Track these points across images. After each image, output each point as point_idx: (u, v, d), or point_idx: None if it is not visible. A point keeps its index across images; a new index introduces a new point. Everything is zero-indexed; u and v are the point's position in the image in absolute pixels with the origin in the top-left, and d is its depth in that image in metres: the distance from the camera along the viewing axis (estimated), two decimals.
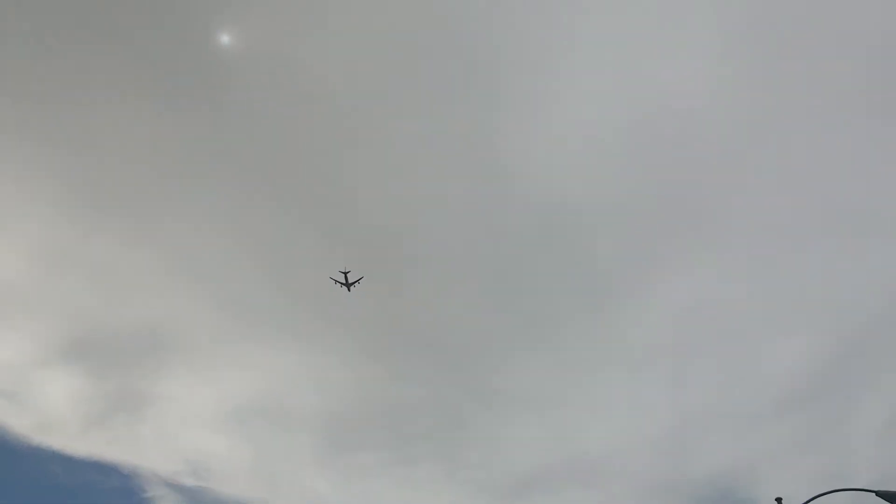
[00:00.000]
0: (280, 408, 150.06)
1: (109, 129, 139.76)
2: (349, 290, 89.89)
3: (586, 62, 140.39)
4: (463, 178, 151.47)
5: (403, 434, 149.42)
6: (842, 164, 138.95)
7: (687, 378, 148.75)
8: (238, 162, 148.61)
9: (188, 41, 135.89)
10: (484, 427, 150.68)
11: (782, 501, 26.63)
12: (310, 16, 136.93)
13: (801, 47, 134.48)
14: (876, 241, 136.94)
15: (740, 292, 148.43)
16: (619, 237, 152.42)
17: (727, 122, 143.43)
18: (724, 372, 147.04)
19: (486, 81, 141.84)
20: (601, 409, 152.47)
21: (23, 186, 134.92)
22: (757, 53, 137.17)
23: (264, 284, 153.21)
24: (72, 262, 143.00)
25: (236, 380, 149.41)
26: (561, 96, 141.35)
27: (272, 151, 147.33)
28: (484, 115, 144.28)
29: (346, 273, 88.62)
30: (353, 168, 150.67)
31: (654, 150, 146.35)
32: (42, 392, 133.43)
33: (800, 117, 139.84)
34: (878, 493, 24.62)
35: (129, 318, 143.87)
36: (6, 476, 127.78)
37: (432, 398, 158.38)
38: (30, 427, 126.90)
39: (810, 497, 26.38)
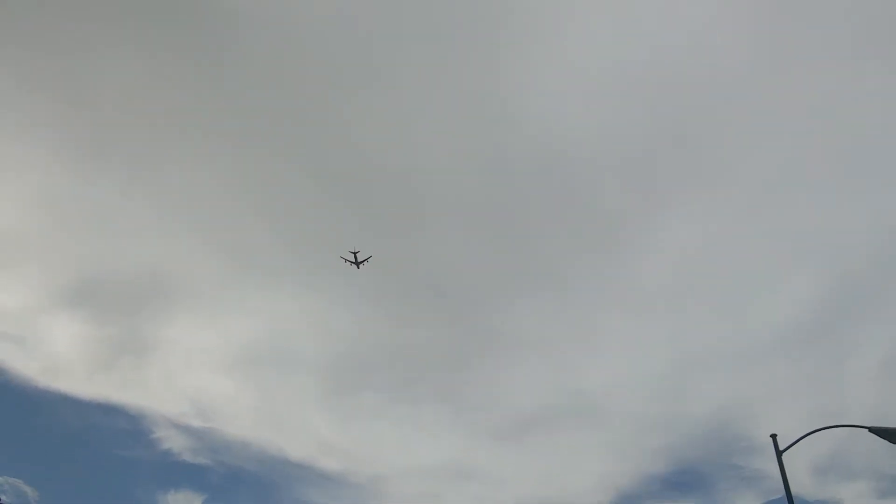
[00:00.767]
0: (283, 350, 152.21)
1: (108, 76, 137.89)
2: (358, 267, 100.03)
3: (589, 2, 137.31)
4: (466, 122, 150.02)
5: (405, 376, 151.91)
6: (842, 106, 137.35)
7: (687, 319, 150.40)
8: (238, 107, 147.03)
9: None
10: (485, 368, 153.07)
11: (777, 438, 27.02)
12: None
13: None
14: (876, 184, 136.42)
15: (741, 235, 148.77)
16: (621, 180, 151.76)
17: (730, 65, 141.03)
18: (724, 313, 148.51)
19: (489, 24, 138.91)
20: (602, 350, 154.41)
21: (22, 135, 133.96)
22: None
23: (266, 229, 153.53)
24: (73, 209, 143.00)
25: (240, 323, 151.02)
26: (564, 38, 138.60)
27: (272, 96, 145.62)
28: (488, 58, 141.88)
29: (355, 253, 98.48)
30: (354, 111, 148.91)
31: (659, 92, 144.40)
32: (48, 337, 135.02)
33: (802, 59, 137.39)
34: (872, 429, 24.97)
35: (131, 263, 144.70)
36: (15, 419, 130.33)
37: (434, 340, 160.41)
38: (37, 371, 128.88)
39: (805, 433, 26.82)
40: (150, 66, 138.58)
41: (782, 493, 26.02)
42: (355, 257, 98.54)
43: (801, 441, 26.69)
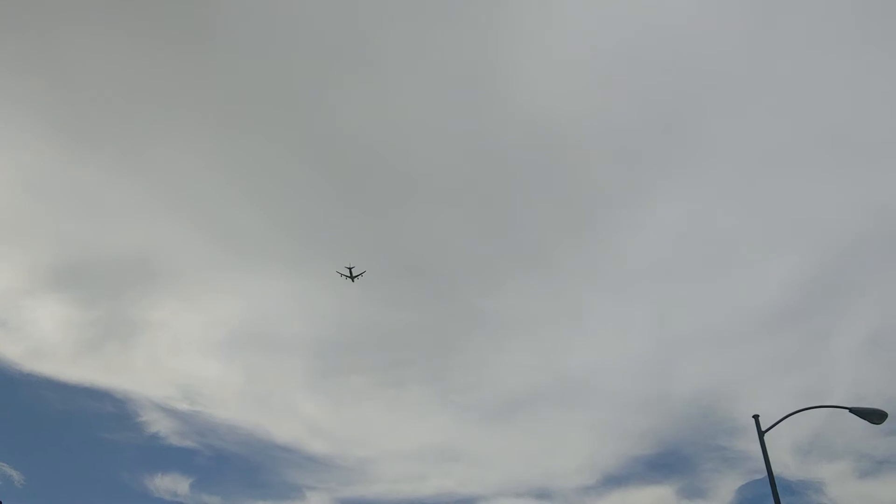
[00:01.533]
0: (270, 334, 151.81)
1: (94, 56, 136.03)
2: (353, 281, 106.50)
3: None
4: (454, 101, 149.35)
5: (393, 358, 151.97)
6: (830, 88, 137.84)
7: (673, 300, 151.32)
8: (226, 88, 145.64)
9: None
10: (472, 350, 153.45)
11: (759, 418, 27.28)
12: None
13: None
14: (861, 165, 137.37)
15: (727, 216, 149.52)
16: (609, 161, 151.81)
17: (717, 47, 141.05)
18: (710, 294, 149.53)
19: (478, 3, 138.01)
20: (589, 331, 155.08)
21: (6, 116, 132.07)
22: None
23: (253, 212, 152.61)
24: (58, 192, 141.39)
25: (226, 307, 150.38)
26: (553, 19, 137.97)
27: (260, 77, 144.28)
28: (477, 36, 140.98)
29: (350, 268, 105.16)
30: (341, 92, 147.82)
31: (646, 74, 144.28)
32: (32, 319, 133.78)
33: (786, 41, 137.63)
34: (852, 410, 25.28)
35: (117, 246, 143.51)
36: None
37: (421, 322, 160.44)
38: (21, 354, 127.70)
39: (787, 413, 27.11)
40: (137, 45, 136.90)
41: (765, 473, 26.32)
42: (350, 272, 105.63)
43: (783, 422, 26.99)
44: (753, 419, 27.31)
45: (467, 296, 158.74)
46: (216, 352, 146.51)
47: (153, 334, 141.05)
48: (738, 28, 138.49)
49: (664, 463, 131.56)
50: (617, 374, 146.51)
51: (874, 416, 24.81)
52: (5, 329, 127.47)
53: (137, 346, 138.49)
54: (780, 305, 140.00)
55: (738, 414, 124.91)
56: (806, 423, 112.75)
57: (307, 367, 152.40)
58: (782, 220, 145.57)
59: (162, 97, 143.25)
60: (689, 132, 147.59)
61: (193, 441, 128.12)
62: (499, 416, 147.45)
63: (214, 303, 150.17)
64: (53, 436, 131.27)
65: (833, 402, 26.60)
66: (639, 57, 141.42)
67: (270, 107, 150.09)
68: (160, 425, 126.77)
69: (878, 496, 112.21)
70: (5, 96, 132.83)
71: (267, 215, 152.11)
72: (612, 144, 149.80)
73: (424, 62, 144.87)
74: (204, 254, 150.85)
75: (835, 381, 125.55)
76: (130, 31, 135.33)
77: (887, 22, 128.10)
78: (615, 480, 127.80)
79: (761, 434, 26.79)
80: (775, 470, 26.15)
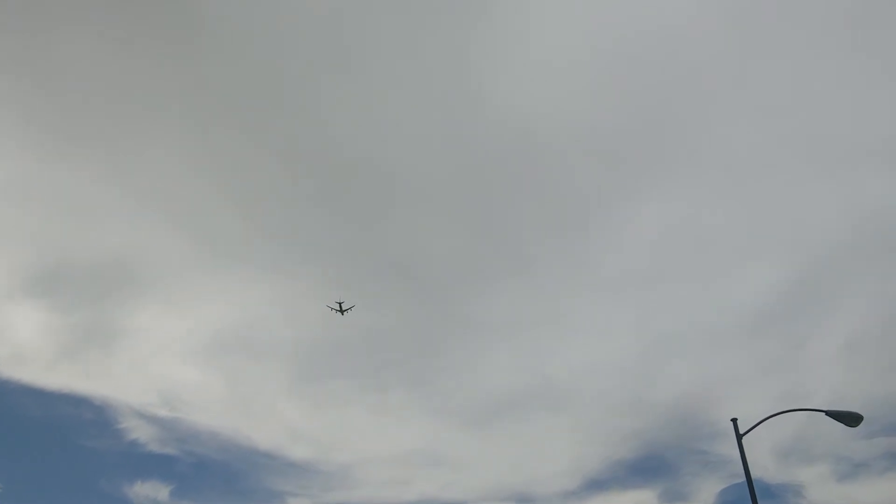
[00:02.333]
0: (252, 338, 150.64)
1: (75, 58, 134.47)
2: (342, 314, 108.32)
3: None
4: (435, 105, 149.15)
5: (375, 362, 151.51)
6: (815, 95, 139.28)
7: (656, 304, 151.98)
8: (208, 92, 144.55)
9: None
10: (456, 354, 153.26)
11: (738, 422, 27.42)
12: None
13: None
14: (844, 170, 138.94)
15: (711, 220, 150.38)
16: (590, 164, 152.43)
17: (702, 50, 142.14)
18: (693, 299, 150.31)
19: (459, 5, 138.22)
20: (571, 335, 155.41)
21: None
22: None
23: (234, 217, 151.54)
24: (36, 194, 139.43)
25: (207, 312, 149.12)
26: (534, 21, 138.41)
27: (243, 82, 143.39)
28: (457, 39, 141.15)
29: (340, 303, 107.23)
30: (324, 95, 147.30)
31: (629, 77, 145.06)
32: (10, 325, 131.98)
33: (772, 45, 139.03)
34: (829, 413, 25.48)
35: (97, 251, 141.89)
36: None
37: (404, 327, 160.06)
38: None
39: (764, 416, 27.26)
40: (117, 47, 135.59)
41: (744, 477, 26.45)
42: (340, 306, 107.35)
43: (761, 425, 27.15)
44: (732, 423, 27.45)
45: (451, 299, 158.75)
46: (197, 357, 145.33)
47: (133, 339, 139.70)
48: (723, 32, 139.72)
49: (646, 467, 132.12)
50: (599, 378, 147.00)
51: (850, 419, 25.03)
52: None
53: (117, 352, 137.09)
54: (763, 309, 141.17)
55: (718, 417, 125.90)
56: (786, 426, 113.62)
57: (289, 372, 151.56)
58: (766, 225, 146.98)
59: (143, 99, 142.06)
60: (673, 135, 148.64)
61: (173, 448, 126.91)
62: (482, 420, 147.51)
63: (195, 307, 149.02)
64: (32, 443, 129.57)
65: (813, 405, 26.79)
66: (623, 59, 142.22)
67: (254, 110, 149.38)
68: (140, 432, 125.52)
69: (857, 498, 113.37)
70: None
71: (249, 218, 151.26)
72: (596, 147, 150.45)
73: (409, 66, 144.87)
74: (185, 258, 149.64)
75: (815, 385, 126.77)
76: (112, 32, 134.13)
77: (877, 28, 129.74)
78: (597, 485, 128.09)
79: (739, 437, 26.92)
80: (755, 473, 26.28)
